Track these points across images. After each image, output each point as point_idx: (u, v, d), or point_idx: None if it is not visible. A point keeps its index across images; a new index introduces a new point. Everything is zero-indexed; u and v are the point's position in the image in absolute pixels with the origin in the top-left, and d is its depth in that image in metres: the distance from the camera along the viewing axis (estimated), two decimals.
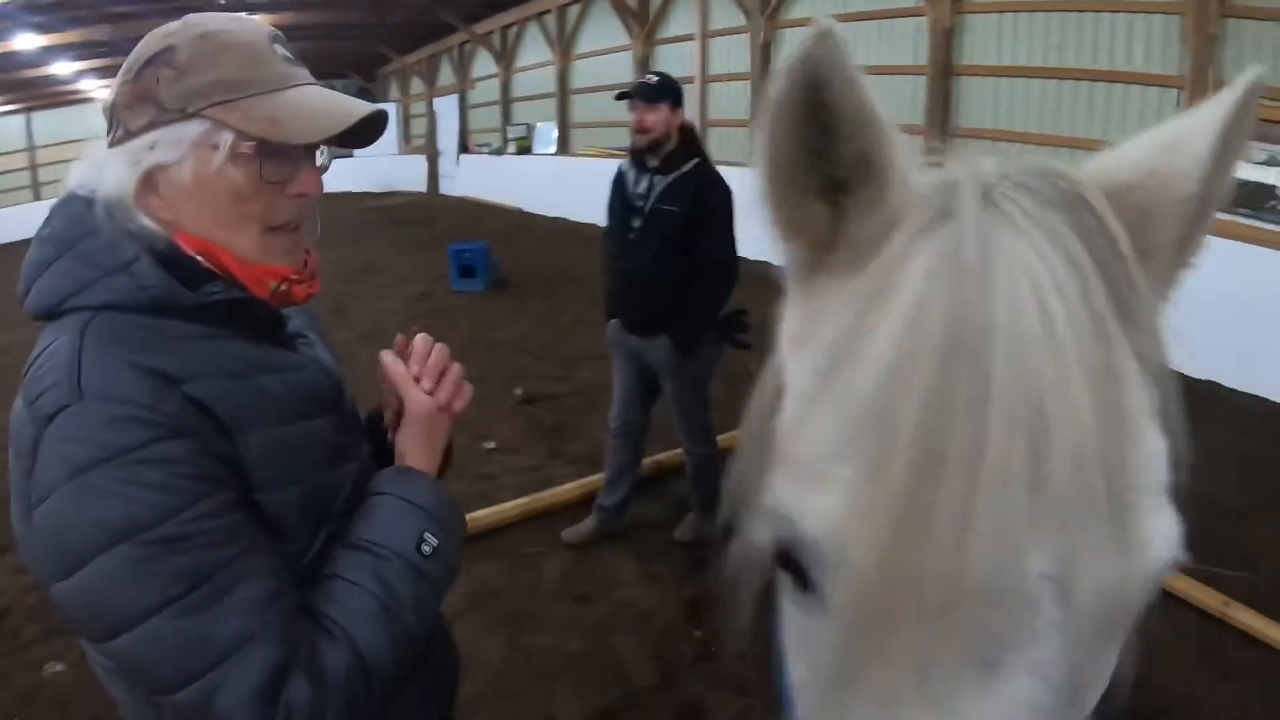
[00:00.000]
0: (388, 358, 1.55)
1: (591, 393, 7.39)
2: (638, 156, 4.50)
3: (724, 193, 4.41)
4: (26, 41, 18.64)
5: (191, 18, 1.33)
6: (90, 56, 22.04)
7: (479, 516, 4.97)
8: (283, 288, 1.39)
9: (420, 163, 27.13)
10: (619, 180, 4.61)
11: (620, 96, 4.51)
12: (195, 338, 1.30)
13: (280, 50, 1.36)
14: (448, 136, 25.74)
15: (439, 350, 1.58)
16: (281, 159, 1.32)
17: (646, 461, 5.63)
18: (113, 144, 1.31)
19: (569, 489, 5.51)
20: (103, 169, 1.30)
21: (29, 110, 27.91)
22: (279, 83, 1.32)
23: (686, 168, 4.39)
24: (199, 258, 1.31)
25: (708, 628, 4.19)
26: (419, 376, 1.54)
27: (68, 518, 1.14)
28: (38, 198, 27.07)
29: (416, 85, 29.54)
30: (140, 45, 1.32)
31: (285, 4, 20.42)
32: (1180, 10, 8.44)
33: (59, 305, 1.28)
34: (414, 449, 1.50)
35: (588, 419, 6.91)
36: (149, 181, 1.29)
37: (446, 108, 26.29)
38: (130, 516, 1.13)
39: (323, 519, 1.39)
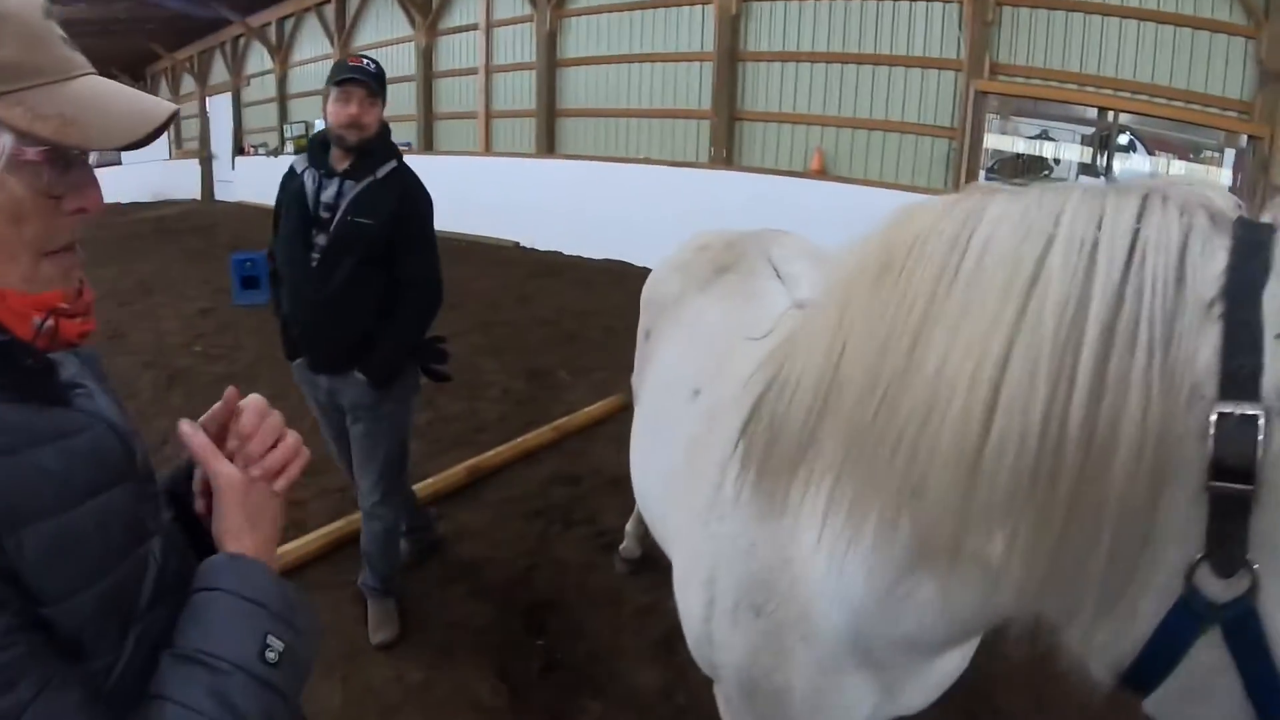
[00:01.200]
0: (186, 426, 1.24)
1: None
2: (318, 156, 3.67)
3: (428, 201, 3.82)
4: None
5: None
6: None
7: (291, 549, 4.52)
8: (49, 323, 1.07)
9: (193, 167, 25.86)
10: (295, 185, 3.71)
11: (340, 82, 3.54)
12: None
13: (57, 28, 1.05)
14: (222, 138, 24.48)
15: (265, 414, 1.28)
16: (63, 167, 1.03)
17: (461, 467, 5.41)
18: None
19: None
20: None
21: None
22: (65, 70, 1.02)
23: (383, 172, 3.68)
24: None
25: (550, 635, 4.00)
26: (243, 441, 1.25)
27: None
28: None
29: (188, 83, 28.23)
30: None
31: None
32: None
33: None
34: (235, 529, 1.20)
35: None
36: None
37: (220, 107, 25.02)
38: None
39: (128, 619, 1.09)
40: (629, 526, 4.45)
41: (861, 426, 1.31)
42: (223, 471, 1.20)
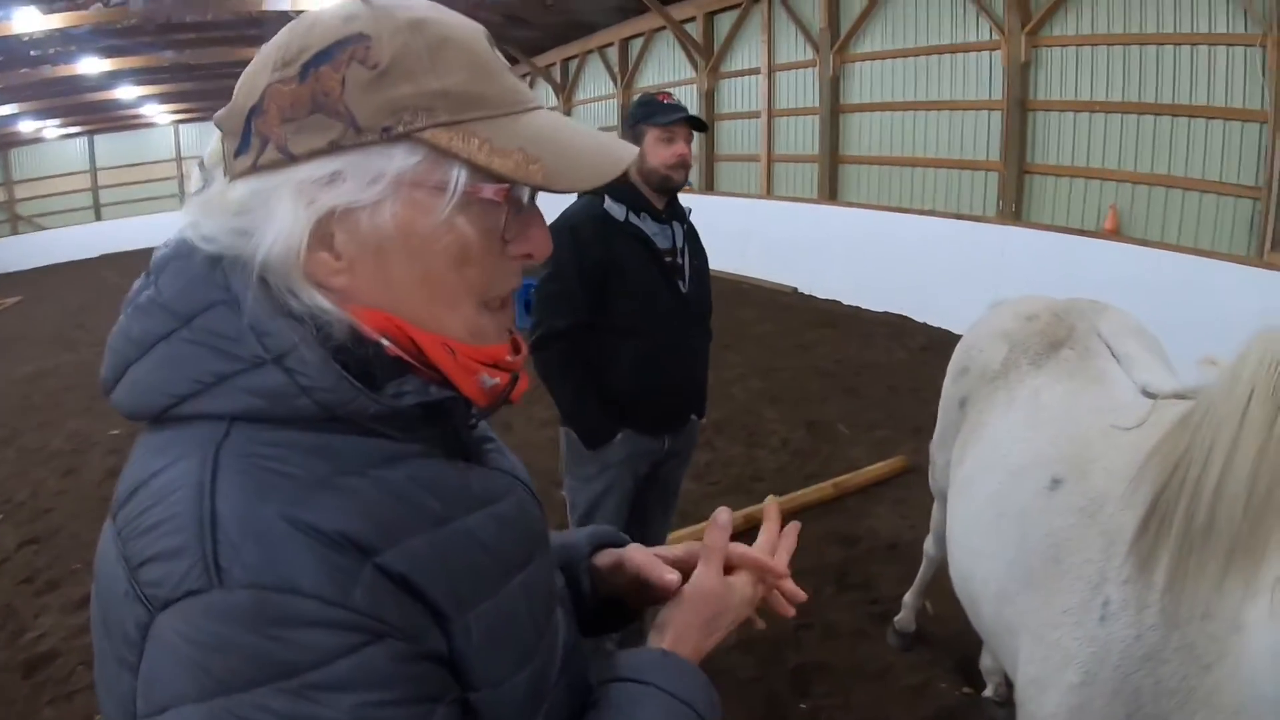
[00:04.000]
0: (723, 516, 1.26)
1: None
2: (633, 197, 3.46)
3: None
4: (91, 65, 19.93)
5: None
6: (152, 82, 24.02)
7: None
8: (496, 381, 1.01)
9: None
10: (630, 232, 3.46)
11: (669, 122, 3.42)
12: (375, 463, 0.92)
13: (501, 58, 0.98)
14: None
15: (787, 539, 1.35)
16: (515, 208, 0.97)
17: (739, 514, 5.33)
18: (251, 170, 0.91)
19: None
20: (251, 209, 0.90)
21: (92, 133, 31.48)
22: (517, 103, 0.95)
23: (688, 214, 3.70)
24: (384, 340, 0.94)
25: (814, 699, 3.99)
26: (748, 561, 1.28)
27: None
28: (99, 218, 31.25)
29: None
30: (296, 31, 0.92)
31: None
32: (1261, 42, 8.40)
33: (169, 408, 0.90)
34: (686, 629, 1.17)
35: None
36: (321, 230, 0.90)
37: None
38: None
39: (543, 697, 1.05)
40: (907, 598, 4.34)
41: None
42: (711, 578, 1.21)
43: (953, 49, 11.86)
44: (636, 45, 19.45)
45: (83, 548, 5.91)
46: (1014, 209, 11.02)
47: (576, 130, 0.99)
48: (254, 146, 0.90)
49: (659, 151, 3.41)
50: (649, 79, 19.27)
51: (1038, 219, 10.75)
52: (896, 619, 4.36)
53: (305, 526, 0.82)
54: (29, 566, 6.05)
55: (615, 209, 3.42)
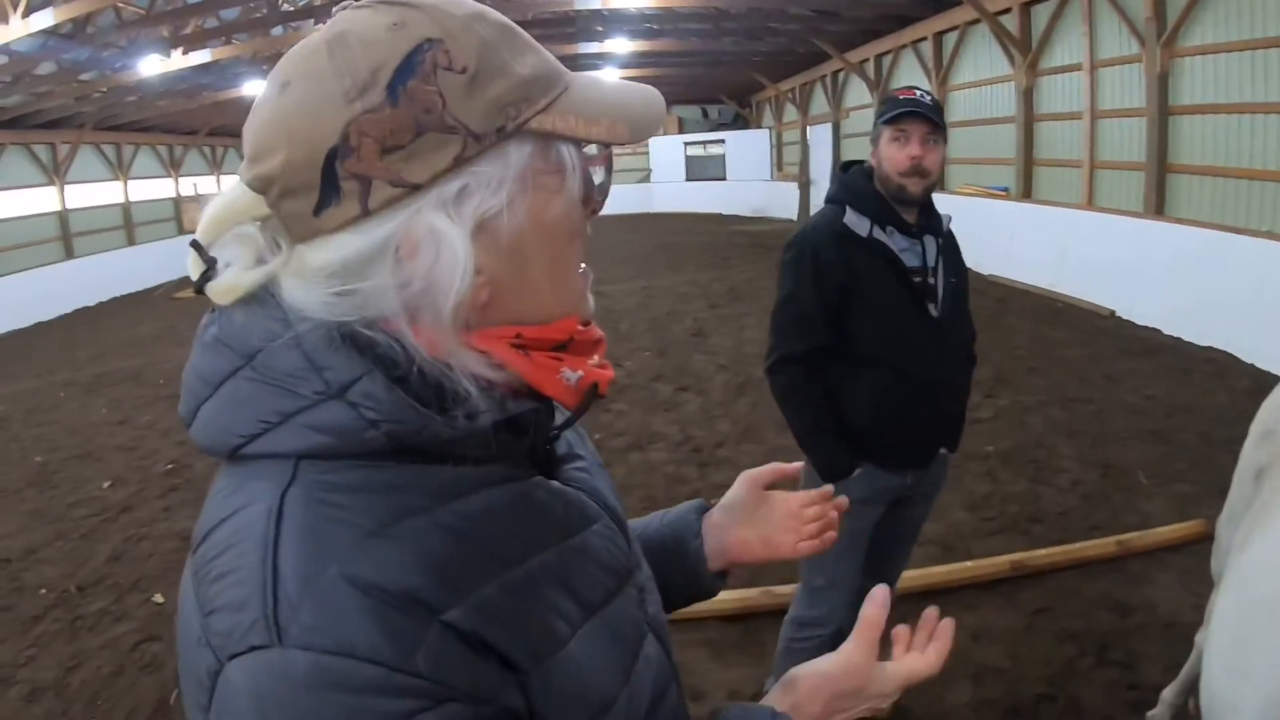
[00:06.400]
0: (880, 595, 1.20)
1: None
2: (878, 208, 3.17)
3: None
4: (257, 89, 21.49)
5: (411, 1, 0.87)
6: None
7: None
8: (579, 375, 0.95)
9: (792, 190, 27.53)
10: (876, 249, 3.17)
11: (893, 118, 3.11)
12: (448, 496, 0.88)
13: None
14: (821, 165, 25.73)
15: (944, 634, 1.24)
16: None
17: (1005, 559, 5.18)
18: (361, 217, 0.84)
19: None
20: (364, 261, 0.85)
21: None
22: (567, 74, 0.94)
23: (945, 223, 3.33)
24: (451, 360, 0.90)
25: None
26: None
27: None
28: None
29: (790, 112, 30.03)
30: (343, 56, 0.84)
31: (664, 31, 22.20)
32: None
33: (239, 448, 0.88)
34: (812, 695, 1.14)
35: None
36: None
37: (820, 137, 26.57)
38: None
39: None
40: (1167, 693, 3.75)
41: None
42: (860, 650, 1.16)
43: None
44: (951, 40, 18.64)
45: None
46: None
47: (615, 84, 0.98)
48: (349, 192, 0.83)
49: (891, 155, 3.13)
50: (964, 75, 18.46)
51: None
52: (1150, 714, 3.81)
53: (367, 586, 0.79)
54: None
55: (858, 223, 3.16)
